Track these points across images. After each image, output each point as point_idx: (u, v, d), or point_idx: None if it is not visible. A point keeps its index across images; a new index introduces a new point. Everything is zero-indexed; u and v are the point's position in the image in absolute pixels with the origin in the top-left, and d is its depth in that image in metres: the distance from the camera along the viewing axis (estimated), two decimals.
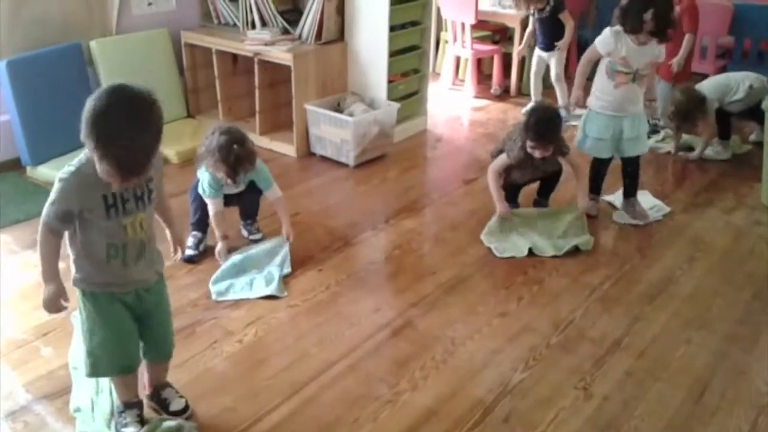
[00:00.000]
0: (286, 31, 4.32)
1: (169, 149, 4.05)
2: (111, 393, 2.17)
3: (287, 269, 3.00)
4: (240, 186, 3.07)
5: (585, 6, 6.12)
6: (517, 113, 5.11)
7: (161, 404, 2.20)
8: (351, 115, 4.10)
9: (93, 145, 1.68)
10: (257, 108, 4.35)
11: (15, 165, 3.89)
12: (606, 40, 3.24)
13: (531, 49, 5.18)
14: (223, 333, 2.61)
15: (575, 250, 3.22)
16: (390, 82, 4.39)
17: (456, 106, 5.39)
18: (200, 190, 3.02)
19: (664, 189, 3.93)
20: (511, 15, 5.48)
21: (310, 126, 4.23)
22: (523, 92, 5.60)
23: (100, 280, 1.93)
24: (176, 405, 2.19)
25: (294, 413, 2.23)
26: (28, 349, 2.50)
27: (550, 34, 4.87)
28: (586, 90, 3.46)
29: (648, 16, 3.08)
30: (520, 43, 5.38)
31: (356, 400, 2.29)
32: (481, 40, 5.80)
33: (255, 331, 2.63)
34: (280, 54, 4.10)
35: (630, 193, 3.55)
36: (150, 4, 4.40)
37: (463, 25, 5.39)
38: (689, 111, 4.16)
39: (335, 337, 2.61)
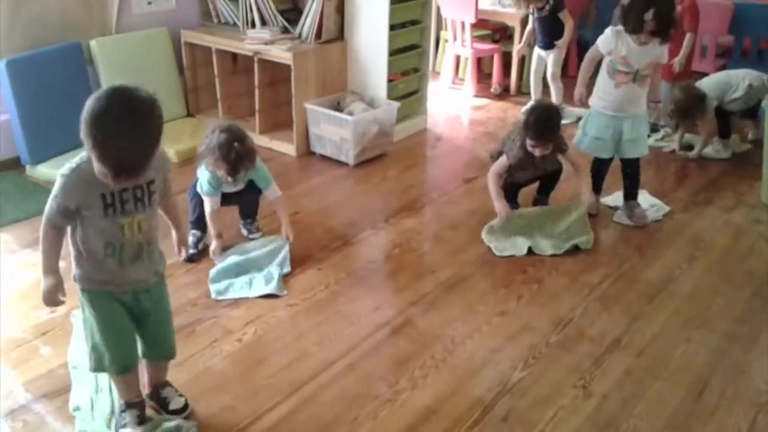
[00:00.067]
0: (285, 30, 4.32)
1: (169, 148, 4.04)
2: (111, 392, 2.17)
3: (287, 268, 3.00)
4: (239, 185, 3.08)
5: (585, 5, 6.12)
6: (517, 112, 5.11)
7: (161, 403, 2.20)
8: (351, 114, 4.10)
9: (91, 144, 1.69)
10: (257, 107, 4.35)
11: (15, 164, 3.89)
12: (607, 39, 3.24)
13: (531, 48, 5.18)
14: (223, 332, 2.61)
15: (575, 249, 3.23)
16: (390, 81, 4.39)
17: (456, 105, 5.39)
18: (198, 188, 3.03)
19: (663, 188, 3.93)
20: (510, 14, 5.48)
21: (309, 125, 4.23)
22: (523, 91, 5.60)
23: (98, 278, 1.93)
24: (176, 404, 2.19)
25: (293, 412, 2.24)
26: (28, 348, 2.51)
27: (549, 33, 4.87)
28: (589, 89, 3.46)
29: (649, 16, 3.07)
30: (520, 42, 5.38)
31: (356, 399, 2.29)
32: (481, 39, 5.79)
33: (254, 330, 2.63)
34: (280, 53, 4.10)
35: (630, 195, 3.54)
36: (150, 3, 4.40)
37: (463, 24, 5.39)
38: (689, 109, 4.16)
39: (335, 335, 2.61)
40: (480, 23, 5.52)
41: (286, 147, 4.31)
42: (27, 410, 2.21)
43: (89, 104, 1.69)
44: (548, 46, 4.91)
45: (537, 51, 5.04)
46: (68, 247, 1.94)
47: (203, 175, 3.00)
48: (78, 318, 2.48)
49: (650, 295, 2.92)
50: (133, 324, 2.03)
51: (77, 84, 3.89)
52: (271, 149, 4.32)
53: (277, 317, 2.71)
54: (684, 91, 4.19)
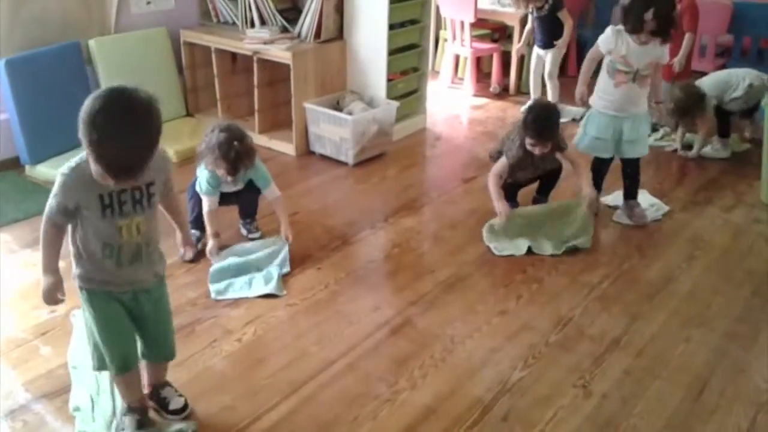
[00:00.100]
0: (285, 30, 4.31)
1: (168, 148, 4.03)
2: (113, 393, 2.17)
3: (286, 268, 3.00)
4: (239, 184, 3.08)
5: (584, 5, 6.12)
6: (516, 111, 5.11)
7: (160, 403, 2.20)
8: (350, 113, 4.10)
9: (87, 144, 1.69)
10: (256, 107, 4.35)
11: (14, 164, 3.89)
12: (607, 39, 3.24)
13: (530, 48, 5.18)
14: (223, 332, 2.61)
15: (574, 249, 3.22)
16: (389, 80, 4.39)
17: (455, 105, 5.39)
18: (197, 188, 3.03)
19: (663, 187, 3.93)
20: (510, 13, 5.48)
21: (309, 124, 4.23)
22: (522, 90, 5.60)
23: (98, 278, 1.93)
24: (175, 404, 2.19)
25: (293, 412, 2.23)
26: (28, 348, 2.50)
27: (548, 32, 4.87)
28: (590, 88, 3.46)
29: (649, 15, 3.07)
30: (519, 42, 5.38)
31: (355, 399, 2.29)
32: (481, 38, 5.79)
33: (254, 330, 2.63)
34: (279, 52, 4.10)
35: (630, 195, 3.54)
36: (149, 2, 4.40)
37: (462, 23, 5.38)
38: (688, 107, 4.16)
39: (334, 335, 2.61)
40: (479, 23, 5.52)
41: (285, 147, 4.31)
42: (27, 410, 2.21)
43: (87, 104, 1.68)
44: (547, 45, 4.91)
45: (536, 50, 5.04)
46: (68, 246, 1.94)
47: (202, 174, 3.00)
48: (78, 318, 2.49)
49: (650, 295, 2.92)
50: (132, 324, 2.03)
51: (76, 84, 3.89)
52: (271, 149, 4.32)
53: (276, 317, 2.71)
54: (683, 89, 4.19)
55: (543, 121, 3.21)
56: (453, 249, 3.24)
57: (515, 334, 2.64)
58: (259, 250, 3.07)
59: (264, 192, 3.13)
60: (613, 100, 3.31)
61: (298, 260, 3.08)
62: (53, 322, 2.62)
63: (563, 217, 3.34)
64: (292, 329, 2.65)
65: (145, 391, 2.21)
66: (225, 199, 3.10)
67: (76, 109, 1.70)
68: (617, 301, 2.87)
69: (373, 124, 4.13)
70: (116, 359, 1.99)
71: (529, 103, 4.50)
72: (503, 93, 5.64)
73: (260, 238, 3.21)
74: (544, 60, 5.01)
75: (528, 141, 3.22)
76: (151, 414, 2.16)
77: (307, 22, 4.22)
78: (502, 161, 3.35)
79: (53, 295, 1.93)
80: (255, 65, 4.21)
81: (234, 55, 4.47)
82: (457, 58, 5.78)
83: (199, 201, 3.05)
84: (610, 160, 3.50)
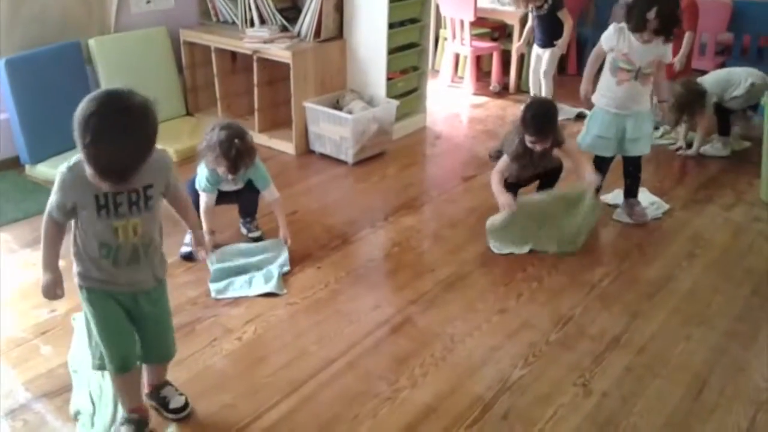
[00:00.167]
0: (284, 29, 4.31)
1: (168, 147, 4.03)
2: (114, 399, 2.16)
3: (286, 267, 3.00)
4: (239, 183, 3.08)
5: (584, 4, 6.12)
6: (516, 110, 5.09)
7: (160, 402, 2.20)
8: (350, 112, 4.10)
9: (80, 146, 1.68)
10: (256, 106, 4.35)
11: (14, 163, 3.89)
12: (609, 36, 3.24)
13: (530, 46, 5.18)
14: (223, 331, 2.61)
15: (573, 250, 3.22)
16: (389, 79, 4.39)
17: (455, 103, 5.39)
18: (196, 185, 3.03)
19: (663, 186, 3.93)
20: (510, 12, 5.49)
21: (309, 123, 4.23)
22: (522, 89, 5.60)
23: (97, 277, 1.93)
24: (176, 403, 2.18)
25: (293, 410, 2.24)
26: (28, 347, 2.50)
27: (548, 31, 4.88)
28: (594, 86, 3.45)
29: (652, 14, 3.06)
30: (519, 41, 5.38)
31: (355, 398, 2.29)
32: (480, 37, 5.79)
33: (254, 329, 2.63)
34: (279, 52, 4.10)
35: (631, 193, 3.54)
36: (148, 2, 4.40)
37: (462, 22, 5.38)
38: (688, 103, 4.16)
39: (334, 334, 2.61)
40: (479, 21, 5.52)
41: (285, 146, 4.31)
42: (27, 409, 2.21)
43: (82, 106, 1.68)
44: (546, 44, 4.92)
45: (535, 49, 5.04)
46: (70, 245, 1.94)
47: (202, 173, 3.00)
48: (78, 321, 2.48)
49: (650, 293, 2.92)
50: (132, 324, 2.02)
51: (76, 83, 3.88)
52: (271, 148, 4.32)
53: (276, 316, 2.71)
54: (684, 85, 4.19)
55: (541, 117, 3.20)
56: (453, 248, 3.24)
57: (515, 333, 2.64)
58: (259, 254, 3.06)
59: (263, 193, 3.12)
60: (615, 97, 3.30)
61: (298, 259, 3.08)
62: (53, 322, 2.62)
63: (569, 209, 3.28)
64: (292, 328, 2.65)
65: (145, 390, 2.21)
66: (225, 197, 3.10)
67: (76, 109, 1.70)
68: (617, 299, 2.87)
69: (373, 123, 4.13)
70: (115, 359, 1.99)
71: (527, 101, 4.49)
72: (503, 92, 5.64)
73: (260, 236, 3.21)
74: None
75: (528, 138, 3.21)
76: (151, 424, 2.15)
77: (307, 21, 4.22)
78: (504, 159, 3.35)
79: (52, 291, 1.94)
80: (255, 64, 4.21)
81: (234, 55, 4.47)
82: (457, 56, 5.78)
83: (196, 199, 3.05)
84: (612, 158, 3.49)
